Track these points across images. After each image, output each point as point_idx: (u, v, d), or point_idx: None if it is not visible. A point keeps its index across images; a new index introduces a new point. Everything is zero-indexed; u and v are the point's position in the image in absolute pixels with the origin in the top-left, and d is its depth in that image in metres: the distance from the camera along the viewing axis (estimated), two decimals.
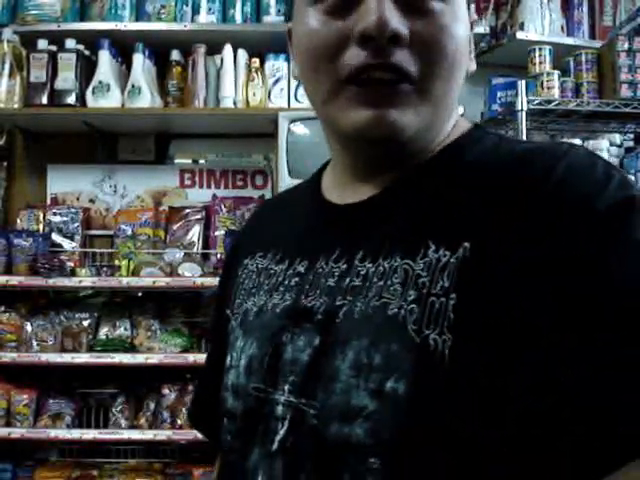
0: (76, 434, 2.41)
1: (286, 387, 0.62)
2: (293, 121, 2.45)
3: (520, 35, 2.66)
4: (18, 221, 2.75)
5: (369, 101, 0.60)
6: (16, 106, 2.55)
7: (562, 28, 2.80)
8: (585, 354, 0.49)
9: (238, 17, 2.64)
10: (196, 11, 2.64)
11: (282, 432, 0.61)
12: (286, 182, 2.40)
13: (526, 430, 0.51)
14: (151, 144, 2.91)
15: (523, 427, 0.51)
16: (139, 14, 2.64)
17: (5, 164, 2.88)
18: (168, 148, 2.93)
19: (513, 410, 0.51)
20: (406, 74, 0.59)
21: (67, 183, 2.87)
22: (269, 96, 2.64)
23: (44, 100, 2.54)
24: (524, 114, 2.40)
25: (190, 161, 2.97)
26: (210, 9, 2.63)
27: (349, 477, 0.56)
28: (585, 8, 2.83)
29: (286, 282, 0.68)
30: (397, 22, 0.57)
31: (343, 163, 0.71)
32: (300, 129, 2.46)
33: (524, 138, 2.39)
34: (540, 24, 2.71)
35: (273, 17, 2.65)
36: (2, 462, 2.50)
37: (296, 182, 2.25)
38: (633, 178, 2.49)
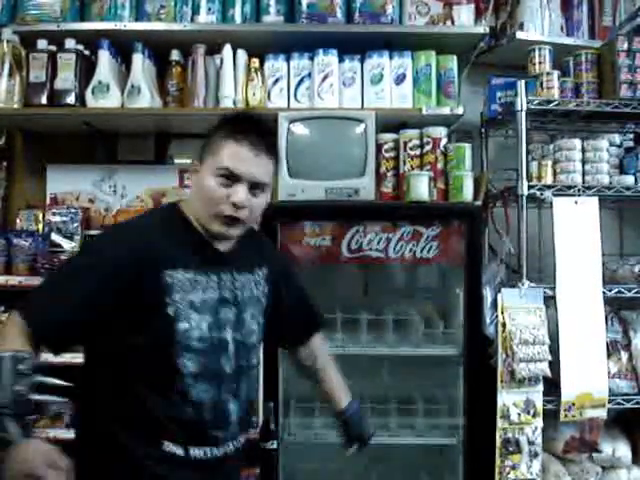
0: None
1: (229, 330, 1.50)
2: (293, 121, 2.45)
3: (520, 35, 2.66)
4: (18, 221, 2.75)
5: (226, 225, 1.47)
6: (16, 106, 2.55)
7: (562, 28, 2.80)
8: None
9: (238, 17, 2.64)
10: (196, 11, 2.63)
11: (232, 349, 1.51)
12: (286, 182, 2.40)
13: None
14: (151, 144, 2.91)
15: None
16: (139, 14, 2.63)
17: (5, 164, 2.88)
18: (168, 148, 2.93)
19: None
20: (242, 219, 1.47)
21: (66, 183, 2.87)
22: (269, 96, 2.64)
23: (44, 100, 2.54)
24: (524, 114, 2.40)
25: (190, 161, 2.96)
26: (210, 9, 2.63)
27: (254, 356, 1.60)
28: (585, 8, 2.83)
29: (210, 284, 1.48)
30: (246, 200, 1.45)
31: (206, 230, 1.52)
32: (300, 129, 2.46)
33: (524, 138, 2.39)
34: (540, 24, 2.72)
35: (273, 17, 2.65)
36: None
37: (296, 182, 2.38)
38: (632, 178, 2.49)
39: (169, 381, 1.41)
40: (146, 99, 2.57)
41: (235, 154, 1.45)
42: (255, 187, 1.46)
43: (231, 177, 1.44)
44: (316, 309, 1.85)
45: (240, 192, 1.43)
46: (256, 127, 1.50)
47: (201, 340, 1.43)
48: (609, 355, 2.44)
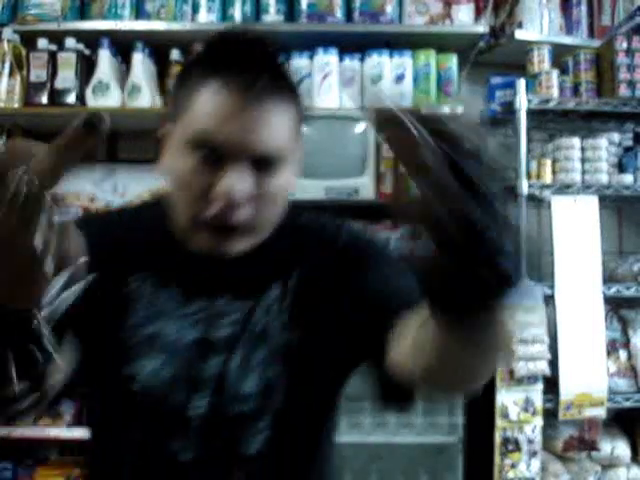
0: (76, 433, 2.41)
1: (206, 392, 0.88)
2: None
3: (519, 34, 2.66)
4: None
5: (216, 237, 0.84)
6: (16, 105, 2.55)
7: (561, 27, 2.80)
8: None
9: (237, 16, 2.65)
10: (196, 10, 2.64)
11: (198, 421, 0.89)
12: None
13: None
14: (151, 143, 2.91)
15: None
16: (139, 13, 2.64)
17: None
18: None
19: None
20: (244, 225, 0.84)
21: (67, 182, 2.86)
22: None
23: (44, 99, 2.54)
24: (523, 113, 2.40)
25: None
26: (210, 8, 2.63)
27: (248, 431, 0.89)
28: (584, 7, 2.83)
29: (189, 316, 0.90)
30: (248, 189, 0.81)
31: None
32: None
33: (523, 137, 2.40)
34: (539, 23, 2.72)
35: (272, 17, 2.65)
36: (3, 461, 2.51)
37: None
38: (632, 177, 2.50)
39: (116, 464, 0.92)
40: (146, 98, 2.58)
41: (217, 108, 0.81)
42: (265, 162, 0.82)
43: (216, 151, 0.80)
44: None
45: (234, 177, 0.79)
46: (255, 52, 0.88)
47: (149, 398, 0.88)
48: (608, 354, 2.45)
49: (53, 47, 2.56)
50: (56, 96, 2.55)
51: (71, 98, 2.54)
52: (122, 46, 2.61)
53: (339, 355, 0.90)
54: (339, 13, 2.62)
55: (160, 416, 0.88)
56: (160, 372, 0.87)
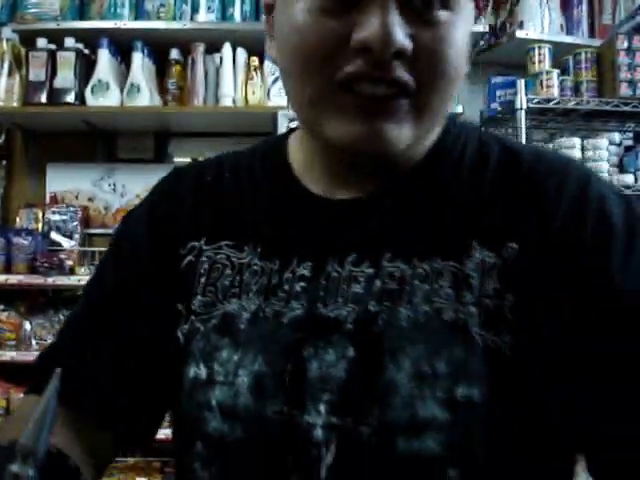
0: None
1: (322, 408, 0.56)
2: (292, 120, 2.45)
3: (519, 34, 2.66)
4: (17, 220, 2.75)
5: (364, 114, 0.54)
6: (15, 105, 2.55)
7: (561, 26, 2.79)
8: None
9: (237, 16, 2.64)
10: (195, 10, 2.63)
11: (329, 458, 0.55)
12: None
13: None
14: (150, 143, 2.91)
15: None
16: (138, 13, 2.64)
17: (4, 163, 2.88)
18: (167, 147, 2.93)
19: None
20: (404, 88, 0.54)
21: (66, 182, 2.87)
22: (268, 95, 2.64)
23: (43, 99, 2.54)
24: (523, 113, 2.40)
25: (189, 160, 2.97)
26: (209, 8, 2.63)
27: None
28: (584, 6, 2.82)
29: (286, 287, 0.60)
30: (402, 36, 0.52)
31: (322, 158, 0.64)
32: None
33: (524, 137, 2.39)
34: (539, 22, 2.71)
35: None
36: None
37: None
38: (632, 177, 2.50)
39: None
40: (146, 98, 2.57)
41: None
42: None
43: None
44: None
45: (378, 17, 0.51)
46: None
47: (232, 415, 0.59)
48: None
49: (52, 46, 2.56)
50: (55, 95, 2.54)
51: (70, 97, 2.54)
52: (121, 46, 2.61)
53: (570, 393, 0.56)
54: None
55: (259, 442, 0.58)
56: (249, 375, 0.58)
